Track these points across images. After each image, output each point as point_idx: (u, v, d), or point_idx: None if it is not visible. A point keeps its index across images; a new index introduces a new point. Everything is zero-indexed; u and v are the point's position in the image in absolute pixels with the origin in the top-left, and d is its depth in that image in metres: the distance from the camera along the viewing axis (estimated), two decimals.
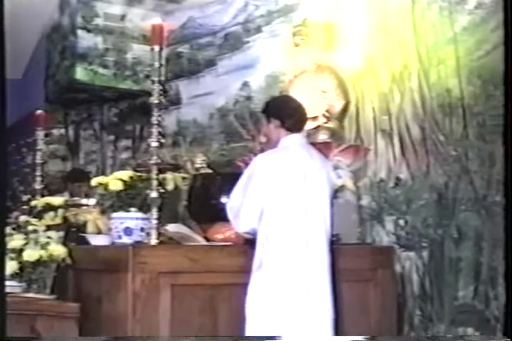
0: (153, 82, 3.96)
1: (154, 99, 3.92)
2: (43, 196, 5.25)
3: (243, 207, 3.75)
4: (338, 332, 3.81)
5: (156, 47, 3.97)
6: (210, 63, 6.85)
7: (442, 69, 4.77)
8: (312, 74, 5.45)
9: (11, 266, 4.11)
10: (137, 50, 7.69)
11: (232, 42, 6.63)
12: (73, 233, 4.55)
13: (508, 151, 3.18)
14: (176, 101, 7.12)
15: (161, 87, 3.93)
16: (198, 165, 4.87)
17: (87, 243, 4.34)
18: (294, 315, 3.68)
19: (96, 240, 4.27)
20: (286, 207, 3.73)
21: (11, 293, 4.10)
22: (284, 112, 3.98)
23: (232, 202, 3.84)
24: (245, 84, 6.34)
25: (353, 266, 4.30)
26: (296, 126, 3.97)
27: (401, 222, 4.90)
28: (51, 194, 5.53)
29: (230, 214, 3.84)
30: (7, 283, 4.16)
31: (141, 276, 3.61)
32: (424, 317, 4.70)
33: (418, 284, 4.75)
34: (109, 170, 7.88)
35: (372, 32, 5.27)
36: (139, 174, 4.10)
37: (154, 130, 3.89)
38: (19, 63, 9.91)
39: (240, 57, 6.50)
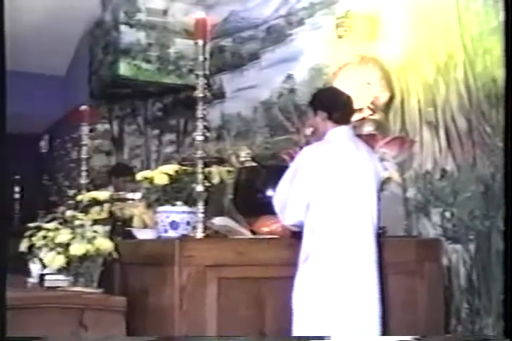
0: (197, 76, 3.95)
1: (199, 93, 3.91)
2: (88, 191, 5.28)
3: (289, 199, 3.74)
4: (384, 324, 3.79)
5: (200, 42, 3.96)
6: (253, 56, 6.85)
7: (488, 59, 4.71)
8: (356, 66, 5.42)
9: (58, 261, 4.14)
10: (180, 45, 7.71)
11: (275, 35, 6.62)
12: (119, 227, 4.58)
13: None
14: (219, 95, 7.13)
15: (205, 81, 3.92)
16: (242, 159, 4.86)
17: (133, 237, 4.36)
18: (340, 308, 3.67)
19: (142, 234, 4.28)
20: (332, 200, 3.71)
21: (59, 287, 4.15)
22: (332, 104, 3.96)
23: (279, 195, 3.83)
24: (289, 77, 6.32)
25: (400, 259, 4.27)
26: (343, 118, 3.94)
27: (447, 214, 4.85)
28: (96, 188, 5.57)
29: (276, 207, 3.84)
30: (55, 277, 4.22)
31: (187, 270, 3.61)
32: (472, 311, 4.66)
33: (465, 277, 4.71)
34: (153, 165, 7.93)
35: (416, 22, 5.21)
36: (184, 168, 4.10)
37: (199, 124, 3.89)
38: (63, 60, 10.00)
39: (283, 50, 6.48)
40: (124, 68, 7.62)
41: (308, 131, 4.45)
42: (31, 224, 4.59)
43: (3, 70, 2.95)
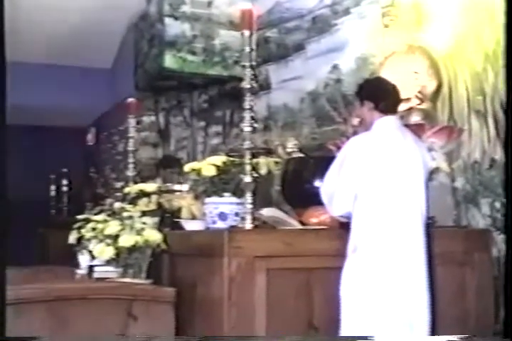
0: (244, 67, 3.94)
1: (246, 84, 3.90)
2: (135, 183, 5.31)
3: (337, 190, 3.73)
4: (433, 316, 3.76)
5: (246, 32, 3.96)
6: (299, 47, 6.83)
7: None
8: (403, 55, 5.39)
9: (107, 252, 4.18)
10: (225, 36, 7.73)
11: (320, 25, 6.58)
12: (167, 218, 4.60)
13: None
14: (265, 86, 7.12)
15: (252, 72, 3.91)
16: (289, 150, 4.86)
17: (181, 228, 4.38)
18: (389, 298, 3.65)
19: (190, 225, 4.30)
20: (380, 190, 3.69)
21: (108, 278, 4.18)
22: (378, 94, 3.94)
23: (326, 186, 3.82)
24: (335, 67, 6.29)
25: (449, 250, 4.23)
26: (390, 108, 3.92)
27: (497, 205, 4.80)
28: (143, 180, 5.60)
29: (324, 198, 3.83)
30: (104, 268, 4.25)
31: (236, 260, 3.61)
32: None
33: None
34: (200, 156, 7.96)
35: (463, 10, 5.15)
36: (232, 159, 4.11)
37: (247, 115, 3.88)
38: (108, 53, 10.08)
39: (329, 40, 6.45)
40: (169, 60, 7.65)
41: (356, 121, 4.44)
42: (80, 216, 4.63)
43: (3, 64, 2.96)
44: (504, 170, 3.40)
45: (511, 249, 3.23)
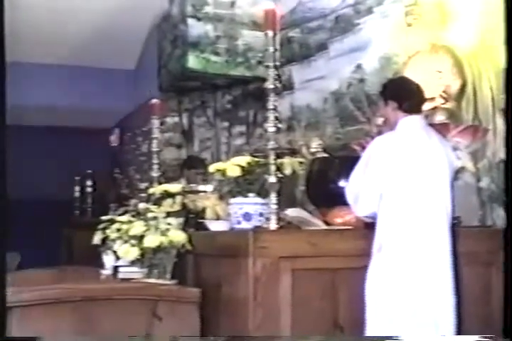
0: (267, 67, 3.94)
1: (270, 84, 3.90)
2: (159, 183, 5.32)
3: (362, 190, 3.73)
4: (459, 315, 3.75)
5: (270, 33, 3.96)
6: (322, 47, 6.80)
7: None
8: (427, 54, 5.36)
9: (132, 253, 4.19)
10: (248, 37, 7.72)
11: (343, 24, 6.56)
12: (192, 219, 4.61)
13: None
14: (288, 87, 7.11)
15: (276, 72, 3.91)
16: (313, 150, 4.86)
17: (205, 229, 4.38)
18: (414, 298, 3.64)
19: (215, 226, 4.30)
20: (405, 190, 3.69)
21: (132, 278, 4.19)
22: (402, 94, 3.94)
23: (351, 186, 3.82)
24: (358, 67, 6.27)
25: (475, 249, 4.21)
26: (414, 108, 3.92)
27: None
28: (167, 181, 5.61)
29: (349, 199, 3.82)
30: (129, 269, 4.27)
31: (261, 261, 3.61)
32: None
33: None
34: (223, 157, 7.96)
35: (486, 7, 5.12)
36: (256, 159, 4.11)
37: (271, 115, 3.88)
38: (131, 55, 10.12)
39: (352, 40, 6.42)
40: (192, 61, 7.65)
41: (380, 120, 4.43)
42: (104, 217, 4.65)
43: (3, 64, 2.96)
44: (504, 171, 3.37)
45: (511, 249, 3.21)
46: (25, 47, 8.87)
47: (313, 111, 6.82)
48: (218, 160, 6.96)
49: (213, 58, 7.68)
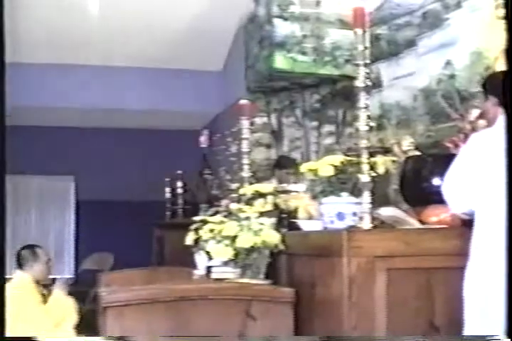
0: (357, 65, 3.91)
1: (360, 83, 3.88)
2: (250, 184, 5.34)
3: (459, 187, 3.66)
4: None
5: (359, 31, 3.94)
6: (410, 43, 6.72)
7: None
8: None
9: (226, 253, 4.22)
10: (334, 35, 7.70)
11: (431, 20, 6.47)
12: (284, 219, 4.61)
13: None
14: (377, 84, 7.06)
15: (366, 70, 3.89)
16: (405, 148, 4.81)
17: (298, 228, 4.38)
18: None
19: (308, 225, 4.30)
20: (503, 187, 3.61)
21: (226, 278, 4.22)
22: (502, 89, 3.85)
23: (448, 183, 3.75)
24: (448, 63, 6.17)
25: None
26: None
27: None
28: (258, 181, 5.63)
29: (445, 196, 3.76)
30: (222, 269, 4.30)
31: (356, 260, 3.59)
32: None
33: None
34: (313, 156, 7.95)
35: None
36: (349, 158, 4.09)
37: (362, 113, 3.85)
38: (219, 56, 10.21)
39: (441, 35, 6.32)
40: (280, 61, 7.67)
41: (472, 117, 4.35)
42: (197, 218, 4.69)
43: (2, 63, 2.99)
44: (506, 171, 3.29)
45: (510, 247, 3.13)
46: (122, 50, 9.06)
47: (403, 108, 6.75)
48: (308, 159, 6.95)
49: (300, 58, 7.67)
